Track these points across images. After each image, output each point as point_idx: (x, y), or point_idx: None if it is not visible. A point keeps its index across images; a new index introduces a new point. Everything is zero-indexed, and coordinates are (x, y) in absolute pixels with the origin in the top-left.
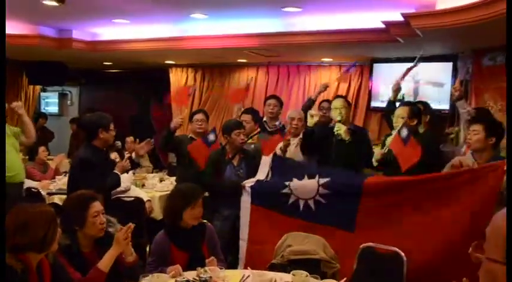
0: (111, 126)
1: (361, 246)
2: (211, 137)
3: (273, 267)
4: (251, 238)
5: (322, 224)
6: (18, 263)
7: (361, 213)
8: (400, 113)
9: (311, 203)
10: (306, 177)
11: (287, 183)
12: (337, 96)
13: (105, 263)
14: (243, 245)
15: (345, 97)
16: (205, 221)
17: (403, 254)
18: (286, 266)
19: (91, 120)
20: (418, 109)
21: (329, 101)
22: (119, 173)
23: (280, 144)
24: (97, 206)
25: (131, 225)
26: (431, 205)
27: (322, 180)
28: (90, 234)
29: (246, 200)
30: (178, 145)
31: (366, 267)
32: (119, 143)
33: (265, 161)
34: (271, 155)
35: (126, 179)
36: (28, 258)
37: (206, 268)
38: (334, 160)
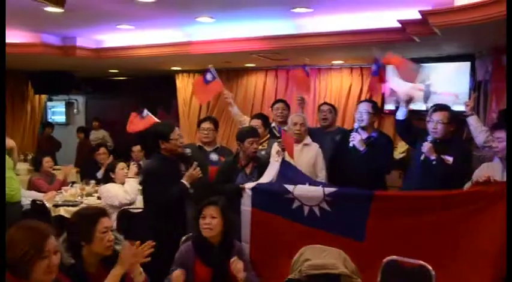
0: (173, 136)
1: (384, 260)
2: (214, 157)
3: None
4: (254, 241)
5: (328, 231)
6: None
7: (372, 220)
8: (441, 118)
9: (316, 209)
10: (307, 184)
11: (290, 188)
12: (364, 100)
13: None
14: (246, 247)
15: (373, 102)
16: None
17: (430, 267)
18: None
19: (150, 132)
20: (456, 114)
21: (328, 104)
22: (185, 183)
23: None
24: (106, 221)
25: (150, 243)
26: (447, 217)
27: (328, 190)
28: (97, 251)
29: (246, 203)
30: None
31: None
32: (187, 150)
33: (273, 166)
34: (280, 160)
35: (131, 190)
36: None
37: None
38: (346, 170)
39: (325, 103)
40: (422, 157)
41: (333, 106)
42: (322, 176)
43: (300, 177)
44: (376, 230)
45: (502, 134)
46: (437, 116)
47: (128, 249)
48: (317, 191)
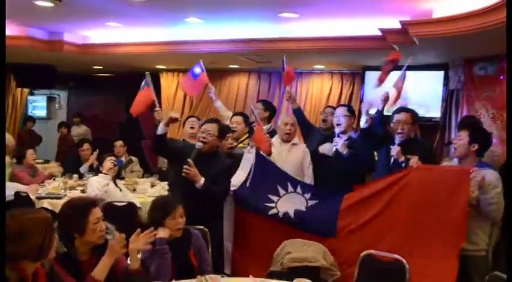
0: None
1: (361, 254)
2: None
3: (272, 275)
4: (236, 239)
5: (303, 230)
6: (12, 272)
7: (342, 217)
8: (405, 119)
9: (291, 212)
10: (289, 185)
11: (274, 200)
12: (340, 105)
13: (100, 271)
14: (228, 245)
15: (348, 105)
16: (188, 227)
17: (404, 261)
18: (286, 274)
19: None
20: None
21: (332, 107)
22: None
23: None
24: (97, 212)
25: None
26: (409, 204)
27: (311, 202)
28: (90, 241)
29: (229, 202)
30: (171, 149)
31: (368, 275)
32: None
33: (248, 158)
34: (254, 152)
35: (96, 186)
36: (23, 267)
37: (207, 276)
38: (328, 172)
39: (329, 106)
40: (392, 160)
41: (349, 109)
42: (309, 174)
43: (278, 174)
44: (346, 224)
45: (463, 133)
46: (402, 117)
47: (117, 240)
48: (299, 200)
